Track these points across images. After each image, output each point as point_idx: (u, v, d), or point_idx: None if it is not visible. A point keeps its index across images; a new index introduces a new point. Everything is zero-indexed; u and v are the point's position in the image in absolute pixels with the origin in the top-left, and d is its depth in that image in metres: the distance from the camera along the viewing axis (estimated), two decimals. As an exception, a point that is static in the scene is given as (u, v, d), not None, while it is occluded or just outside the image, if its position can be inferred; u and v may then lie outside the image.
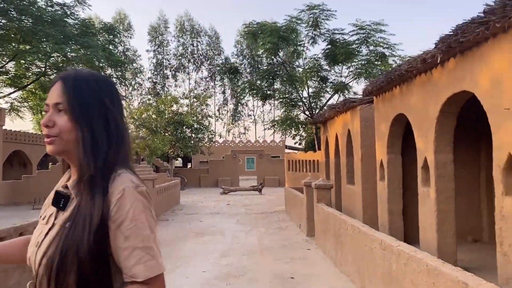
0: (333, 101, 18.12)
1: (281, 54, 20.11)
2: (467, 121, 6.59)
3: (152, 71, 51.00)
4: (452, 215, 6.38)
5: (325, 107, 15.52)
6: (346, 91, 18.77)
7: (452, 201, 6.39)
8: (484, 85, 5.04)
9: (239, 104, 53.43)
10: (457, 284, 2.86)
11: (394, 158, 8.54)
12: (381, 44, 17.09)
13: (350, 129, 11.24)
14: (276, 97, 20.10)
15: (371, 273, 5.02)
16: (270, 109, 47.89)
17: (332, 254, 7.32)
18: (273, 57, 18.60)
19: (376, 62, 17.53)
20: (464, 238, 8.84)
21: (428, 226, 6.63)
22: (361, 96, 9.72)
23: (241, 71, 23.40)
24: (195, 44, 51.81)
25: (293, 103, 19.52)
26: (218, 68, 20.29)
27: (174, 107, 28.43)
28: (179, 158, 42.46)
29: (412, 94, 7.18)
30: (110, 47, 22.92)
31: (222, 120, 52.19)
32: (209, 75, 51.94)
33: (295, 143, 30.13)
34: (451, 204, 6.39)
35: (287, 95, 19.28)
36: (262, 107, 45.20)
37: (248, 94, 20.68)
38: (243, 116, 54.05)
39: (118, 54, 27.81)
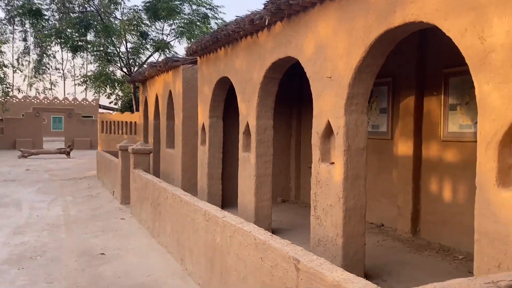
0: (154, 59, 17.10)
1: (96, 1, 17.91)
2: (280, 86, 6.75)
3: None
4: (269, 179, 6.50)
5: (145, 65, 14.46)
6: (167, 50, 17.92)
7: (270, 166, 6.50)
8: (308, 52, 5.05)
9: (44, 55, 46.83)
10: (288, 260, 2.66)
11: (215, 122, 8.34)
12: (204, 3, 16.70)
13: (172, 90, 10.65)
14: (89, 50, 17.90)
15: (192, 245, 4.67)
16: (83, 64, 43.38)
17: (149, 224, 6.78)
18: (86, 4, 16.38)
19: (198, 23, 17.11)
20: (275, 199, 9.37)
21: (246, 190, 6.64)
22: (184, 55, 9.17)
23: (48, 17, 20.07)
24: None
25: (108, 57, 17.70)
26: (18, 8, 16.77)
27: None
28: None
29: (237, 56, 6.96)
30: None
31: (22, 72, 45.06)
32: (7, 17, 43.74)
33: (110, 103, 27.94)
34: (269, 169, 6.49)
35: (102, 48, 17.34)
36: (73, 60, 40.13)
37: (54, 43, 17.88)
38: (49, 69, 47.73)
39: None
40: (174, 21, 16.50)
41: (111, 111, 24.89)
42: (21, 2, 17.11)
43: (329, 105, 4.66)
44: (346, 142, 4.43)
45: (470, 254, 5.54)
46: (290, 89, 9.18)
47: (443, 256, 5.63)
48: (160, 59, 13.38)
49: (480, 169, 2.96)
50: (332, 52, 4.62)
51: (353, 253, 4.50)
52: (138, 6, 17.05)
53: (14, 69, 28.18)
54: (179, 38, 17.50)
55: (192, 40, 17.18)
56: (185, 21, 16.54)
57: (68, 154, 21.15)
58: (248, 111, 6.57)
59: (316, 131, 4.89)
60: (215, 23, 17.03)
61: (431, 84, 6.27)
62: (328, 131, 4.77)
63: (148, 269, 5.19)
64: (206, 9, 16.80)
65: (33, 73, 46.59)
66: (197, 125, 9.48)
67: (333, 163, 4.71)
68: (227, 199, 8.72)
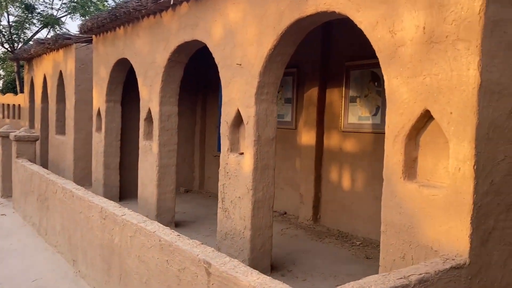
0: (42, 36, 15.31)
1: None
2: (186, 70, 6.42)
3: None
4: (173, 170, 6.17)
5: (31, 42, 12.90)
6: (58, 27, 16.22)
7: (174, 155, 6.16)
8: (217, 37, 4.80)
9: None
10: (198, 263, 2.42)
11: (113, 107, 7.71)
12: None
13: (63, 71, 9.63)
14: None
15: (86, 246, 4.19)
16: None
17: (35, 221, 6.02)
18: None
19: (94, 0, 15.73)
20: (178, 189, 9.03)
21: (148, 181, 6.23)
22: (78, 33, 8.30)
23: None
24: None
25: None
26: None
27: None
28: None
29: (138, 37, 6.44)
30: None
31: None
32: None
33: (-12, 82, 24.72)
34: (173, 158, 6.15)
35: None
36: None
37: None
38: None
39: None
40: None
41: (-11, 92, 22.00)
42: None
43: (239, 93, 4.48)
44: (257, 132, 4.30)
45: (366, 240, 5.84)
46: (195, 73, 8.84)
47: (342, 242, 5.85)
48: (49, 36, 12.03)
49: (388, 162, 3.01)
50: (242, 38, 4.43)
51: (261, 246, 4.41)
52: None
53: None
54: (72, 14, 15.91)
55: (87, 17, 15.80)
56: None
57: None
58: (151, 96, 6.13)
59: (225, 120, 4.69)
60: (93, 14, 15.84)
61: (334, 76, 6.42)
62: (238, 120, 4.60)
63: (35, 273, 4.58)
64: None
65: None
66: (92, 109, 8.72)
67: (242, 153, 4.55)
68: (125, 191, 8.17)
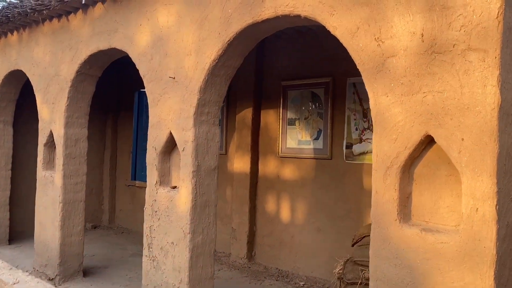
0: None
1: None
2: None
3: None
4: (81, 206, 5.04)
5: None
6: None
7: (82, 188, 5.05)
8: (142, 44, 3.94)
9: None
10: None
11: (2, 130, 6.34)
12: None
13: None
14: None
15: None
16: None
17: None
18: None
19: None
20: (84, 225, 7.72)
21: (48, 221, 5.01)
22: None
23: None
24: None
25: None
26: None
27: None
28: None
29: (38, 45, 5.29)
30: None
31: None
32: None
33: None
34: (81, 192, 5.04)
35: None
36: None
37: None
38: None
39: None
40: None
41: None
42: None
43: (172, 113, 3.66)
44: (195, 160, 3.50)
45: (310, 279, 5.25)
46: (105, 88, 7.71)
47: (284, 283, 5.18)
48: None
49: (377, 200, 2.43)
50: (176, 47, 3.64)
51: (201, 302, 3.56)
52: None
53: None
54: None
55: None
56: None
57: None
58: (53, 117, 4.99)
59: (153, 146, 3.81)
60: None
61: (269, 96, 5.86)
62: (170, 146, 3.76)
63: None
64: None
65: None
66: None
67: (175, 187, 3.70)
68: (16, 231, 6.71)
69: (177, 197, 3.58)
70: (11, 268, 2.72)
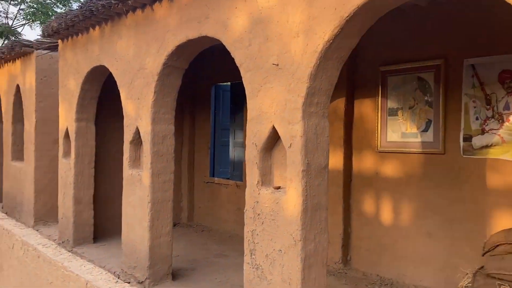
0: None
1: None
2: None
3: None
4: (169, 206, 4.80)
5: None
6: (13, 37, 14.43)
7: (170, 187, 4.80)
8: (238, 29, 3.55)
9: None
10: None
11: (85, 127, 6.26)
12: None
13: (20, 85, 8.07)
14: None
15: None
16: None
17: (-17, 282, 4.46)
18: None
19: (56, 5, 14.00)
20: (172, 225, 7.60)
21: (136, 222, 4.81)
22: (40, 38, 6.83)
23: None
24: None
25: None
26: None
27: None
28: None
29: (120, 38, 5.10)
30: None
31: None
32: None
33: None
34: (169, 191, 4.79)
35: None
36: None
37: None
38: None
39: None
40: (25, 1, 13.16)
41: None
42: None
43: (274, 105, 3.23)
44: (305, 158, 3.05)
45: (420, 288, 4.64)
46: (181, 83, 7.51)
47: (389, 292, 4.63)
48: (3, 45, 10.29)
49: None
50: (279, 29, 3.20)
51: (314, 319, 3.12)
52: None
53: None
54: (31, 22, 14.14)
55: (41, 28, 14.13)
56: (39, 0, 13.27)
57: None
58: (139, 113, 4.77)
59: (253, 142, 3.41)
60: (61, 13, 14.20)
61: (364, 83, 5.29)
62: (272, 142, 3.34)
63: None
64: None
65: None
66: (58, 130, 7.22)
67: (279, 187, 3.28)
68: (101, 230, 6.65)
69: (284, 199, 3.15)
70: (116, 281, 2.44)
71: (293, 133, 3.09)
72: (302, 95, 3.04)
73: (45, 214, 7.56)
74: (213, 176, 7.47)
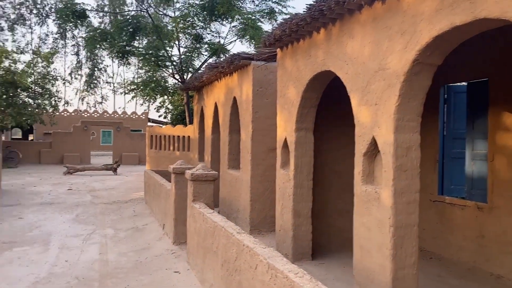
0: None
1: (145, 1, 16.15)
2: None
3: (-19, 21, 41.27)
4: (415, 232, 4.00)
5: (203, 68, 12.35)
6: (224, 55, 15.80)
7: (416, 209, 4.01)
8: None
9: (96, 69, 46.88)
10: None
11: (304, 137, 5.96)
12: (270, -4, 14.43)
13: (237, 97, 8.43)
14: (138, 53, 15.99)
15: None
16: (134, 77, 42.62)
17: (219, 295, 4.43)
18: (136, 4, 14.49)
19: (262, 19, 14.80)
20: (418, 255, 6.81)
21: (373, 246, 4.16)
22: (259, 49, 6.89)
23: (97, 22, 18.78)
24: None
25: (159, 62, 15.74)
26: (60, 10, 15.08)
27: (6, 64, 22.10)
28: (17, 129, 35.05)
29: (351, 38, 4.57)
30: None
31: (71, 84, 45.13)
32: (59, 31, 44.25)
33: (159, 116, 26.37)
34: (415, 214, 4.00)
35: (151, 52, 15.38)
36: (122, 65, 37.54)
37: (99, 48, 16.19)
38: (100, 83, 47.69)
39: None
40: (235, 17, 14.28)
41: (161, 125, 23.23)
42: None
43: None
44: None
45: None
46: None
47: None
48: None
49: None
50: None
51: None
52: (193, 1, 15.00)
53: (63, 82, 27.27)
54: (241, 38, 15.27)
55: (253, 41, 14.97)
56: (248, 17, 14.21)
57: (114, 170, 19.54)
58: (376, 120, 4.13)
59: None
60: (283, 19, 14.67)
61: None
62: None
63: None
64: (273, 2, 14.49)
65: (85, 87, 46.65)
66: (273, 140, 7.21)
67: None
68: (316, 244, 6.27)
69: None
70: None
71: None
72: None
73: (259, 223, 7.65)
74: (442, 194, 6.36)
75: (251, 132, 7.62)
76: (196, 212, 5.55)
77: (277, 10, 14.65)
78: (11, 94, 21.50)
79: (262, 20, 15.05)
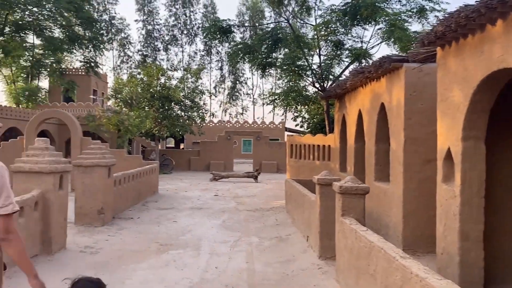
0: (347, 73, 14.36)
1: (287, 12, 16.38)
2: None
3: (142, 43, 47.20)
4: None
5: (345, 74, 11.95)
6: (367, 60, 15.10)
7: None
8: None
9: (237, 82, 49.79)
10: None
11: (473, 148, 5.13)
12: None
13: (385, 103, 7.82)
14: (279, 64, 16.28)
15: None
16: (272, 88, 44.04)
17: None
18: (277, 9, 14.82)
19: (409, 19, 13.73)
20: None
21: None
22: (414, 49, 6.23)
23: (239, 37, 19.88)
24: (187, 14, 47.93)
25: (299, 71, 15.77)
26: (207, 28, 16.33)
27: (162, 80, 24.78)
28: (171, 138, 39.09)
29: (545, 25, 3.72)
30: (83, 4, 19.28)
31: (216, 97, 48.66)
32: (205, 49, 48.20)
33: (296, 125, 26.58)
34: None
35: (291, 61, 15.50)
36: (263, 77, 38.75)
37: (242, 60, 16.89)
38: (241, 95, 50.51)
39: (94, 14, 24.29)
40: (379, 19, 13.54)
41: (298, 134, 23.42)
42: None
43: None
44: None
45: None
46: None
47: None
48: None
49: None
50: None
51: None
52: (336, 5, 14.70)
53: (209, 95, 29.48)
54: (387, 40, 14.43)
55: (397, 44, 13.99)
56: (395, 17, 13.31)
57: (255, 178, 20.21)
58: None
59: None
60: (435, 16, 13.37)
61: None
62: None
63: None
64: (423, -1, 13.40)
65: (228, 99, 49.85)
66: (429, 150, 6.44)
67: None
68: (488, 271, 5.32)
69: None
70: None
71: None
72: None
73: (414, 242, 6.90)
74: None
75: (403, 141, 6.95)
76: (347, 228, 5.16)
77: (427, 7, 13.44)
78: (166, 107, 23.96)
79: (409, 20, 13.98)
